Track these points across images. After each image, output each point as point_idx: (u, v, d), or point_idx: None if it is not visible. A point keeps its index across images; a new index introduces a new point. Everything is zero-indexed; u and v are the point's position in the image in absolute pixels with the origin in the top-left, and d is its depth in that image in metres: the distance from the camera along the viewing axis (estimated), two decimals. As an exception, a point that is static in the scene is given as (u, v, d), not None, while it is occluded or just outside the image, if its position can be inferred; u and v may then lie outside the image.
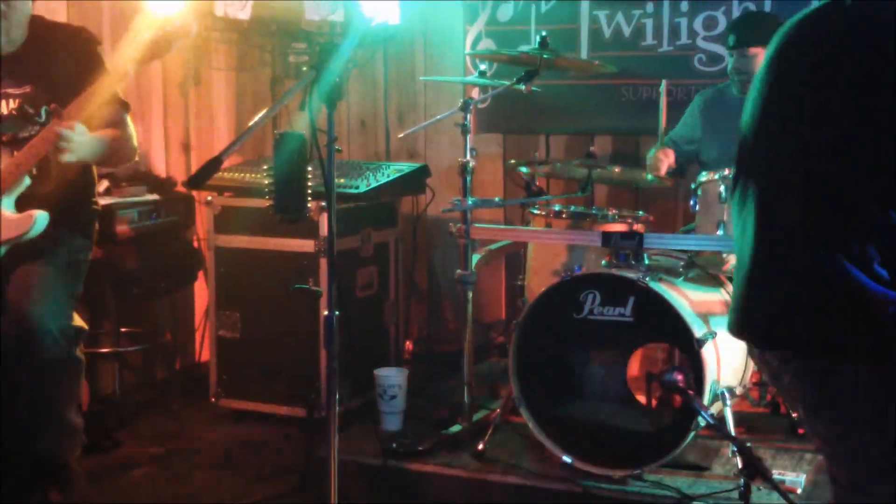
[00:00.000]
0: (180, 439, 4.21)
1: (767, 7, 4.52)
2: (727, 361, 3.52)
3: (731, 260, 3.66)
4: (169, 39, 2.91)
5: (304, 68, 2.44)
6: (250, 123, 2.39)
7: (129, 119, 3.16)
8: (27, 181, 2.95)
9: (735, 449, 3.05)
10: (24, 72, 3.04)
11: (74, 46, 3.10)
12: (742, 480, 2.90)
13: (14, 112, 3.03)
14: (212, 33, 4.94)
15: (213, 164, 2.25)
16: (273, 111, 2.54)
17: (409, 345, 5.03)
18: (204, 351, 4.79)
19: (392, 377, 4.03)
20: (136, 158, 3.32)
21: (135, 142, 3.19)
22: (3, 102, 3.04)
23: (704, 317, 3.50)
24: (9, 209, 2.94)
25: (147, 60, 2.94)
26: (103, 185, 4.23)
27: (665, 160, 4.29)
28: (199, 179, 2.25)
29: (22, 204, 2.96)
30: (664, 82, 4.25)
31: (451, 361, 4.59)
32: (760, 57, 4.09)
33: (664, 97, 4.23)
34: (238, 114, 5.27)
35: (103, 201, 4.06)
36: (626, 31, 4.83)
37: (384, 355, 4.57)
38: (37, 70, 3.04)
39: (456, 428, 3.87)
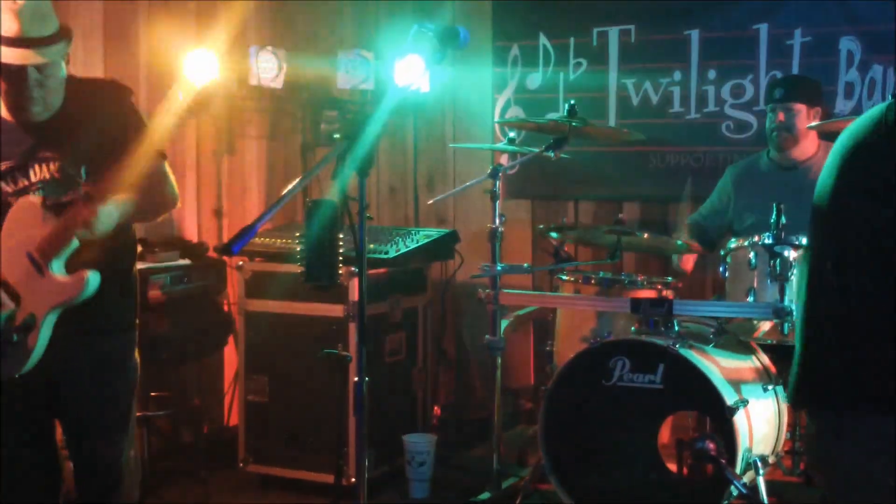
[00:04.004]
0: (207, 506, 4.19)
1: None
2: (759, 429, 3.48)
3: (763, 326, 3.62)
4: (202, 99, 2.97)
5: (336, 136, 2.46)
6: (283, 192, 2.40)
7: (167, 167, 3.16)
8: (76, 243, 2.97)
9: (769, 520, 3.01)
10: (60, 135, 3.07)
11: (110, 103, 3.12)
12: (776, 552, 2.85)
13: (55, 175, 3.05)
14: (246, 102, 5.04)
15: (247, 233, 2.27)
16: (305, 180, 2.56)
17: (437, 411, 5.00)
18: (232, 415, 4.79)
19: (420, 444, 4.01)
20: (179, 205, 3.32)
21: (174, 189, 3.19)
22: (41, 167, 3.07)
23: (736, 384, 3.47)
24: (60, 272, 2.96)
25: (184, 119, 2.98)
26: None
27: (690, 259, 4.33)
28: (233, 247, 2.26)
29: (71, 267, 2.98)
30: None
31: (479, 428, 4.56)
32: (803, 114, 4.11)
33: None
34: (269, 180, 5.34)
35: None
36: (654, 98, 4.87)
37: (412, 421, 4.54)
38: (72, 133, 3.07)
39: (485, 496, 3.84)
